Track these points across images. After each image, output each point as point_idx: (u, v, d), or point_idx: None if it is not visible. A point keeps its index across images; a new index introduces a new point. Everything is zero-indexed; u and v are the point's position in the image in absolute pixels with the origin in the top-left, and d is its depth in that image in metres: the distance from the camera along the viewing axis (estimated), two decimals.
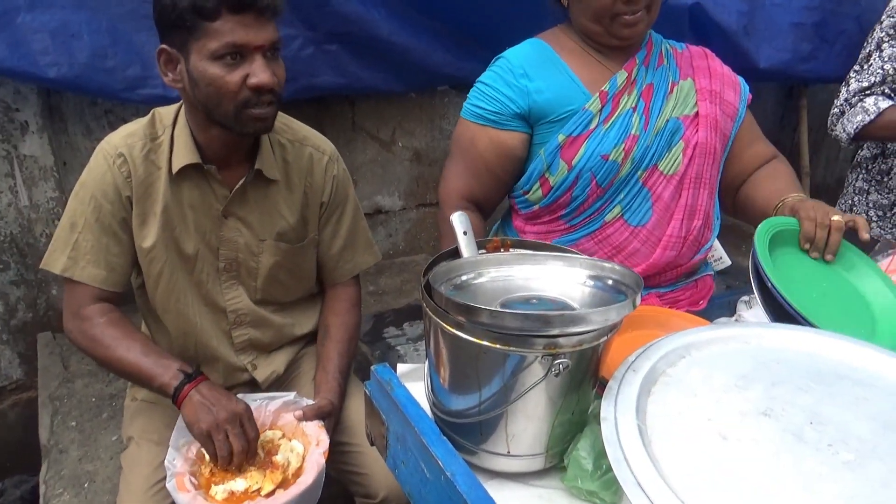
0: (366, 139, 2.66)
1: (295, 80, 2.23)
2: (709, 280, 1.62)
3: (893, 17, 2.04)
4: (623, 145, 1.38)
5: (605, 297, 0.89)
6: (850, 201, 2.35)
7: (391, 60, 2.39)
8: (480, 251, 1.02)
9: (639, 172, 1.41)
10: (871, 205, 2.26)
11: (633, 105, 1.41)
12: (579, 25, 1.42)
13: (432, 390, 0.94)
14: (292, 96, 2.22)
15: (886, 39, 2.02)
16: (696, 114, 1.45)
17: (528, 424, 0.86)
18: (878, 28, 2.08)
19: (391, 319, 2.23)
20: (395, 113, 2.69)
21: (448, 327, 0.83)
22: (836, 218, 1.26)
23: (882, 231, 2.25)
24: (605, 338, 0.83)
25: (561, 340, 0.79)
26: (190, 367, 1.26)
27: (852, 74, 2.10)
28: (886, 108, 1.95)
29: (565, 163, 1.40)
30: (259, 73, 1.16)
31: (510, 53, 1.45)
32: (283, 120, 1.39)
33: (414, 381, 1.04)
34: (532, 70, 1.40)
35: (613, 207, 1.43)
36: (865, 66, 2.06)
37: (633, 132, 1.39)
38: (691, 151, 1.44)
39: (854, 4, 2.94)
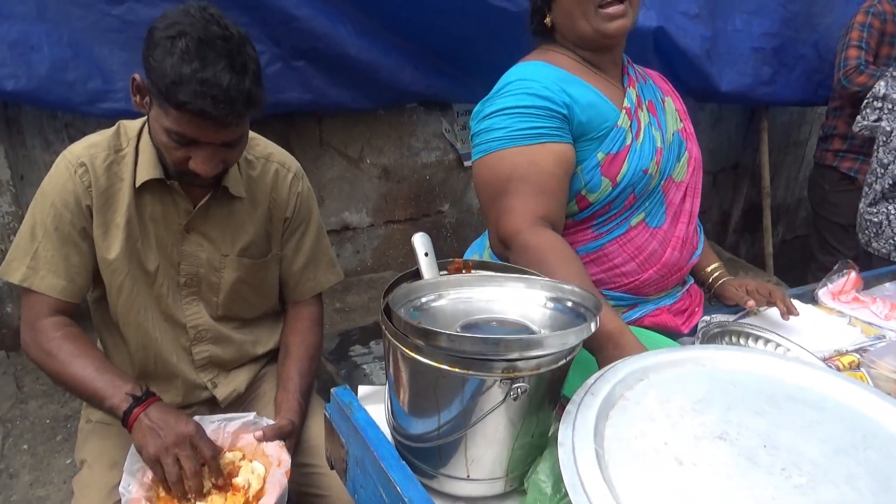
0: (333, 156, 2.65)
1: None
2: (696, 287, 1.64)
3: None
4: (655, 158, 1.39)
5: (565, 320, 0.89)
6: (861, 222, 2.47)
7: (359, 77, 2.39)
8: (442, 272, 1.01)
9: (662, 182, 1.43)
10: (868, 224, 2.43)
11: (648, 120, 1.42)
12: (570, 34, 1.37)
13: (392, 413, 0.93)
14: None
15: None
16: (684, 129, 1.51)
17: (487, 448, 0.85)
18: None
19: (357, 337, 2.21)
20: (364, 130, 2.69)
21: (407, 351, 0.82)
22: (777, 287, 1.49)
23: (879, 245, 2.42)
24: (564, 361, 0.82)
25: (519, 364, 0.79)
26: (140, 389, 1.22)
27: None
28: None
29: (608, 180, 1.36)
30: (200, 163, 1.16)
31: (531, 74, 1.34)
32: (249, 136, 1.38)
33: (375, 403, 1.02)
34: (566, 86, 1.33)
35: (640, 213, 1.43)
36: None
37: (658, 145, 1.40)
38: (694, 163, 1.50)
39: (812, 31, 3.05)
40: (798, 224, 4.15)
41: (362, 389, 1.06)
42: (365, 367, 2.03)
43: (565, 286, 0.93)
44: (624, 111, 1.38)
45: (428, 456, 0.88)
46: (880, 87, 2.41)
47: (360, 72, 2.37)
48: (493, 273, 0.99)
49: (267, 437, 1.27)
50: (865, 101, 2.47)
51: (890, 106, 2.34)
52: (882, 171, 2.34)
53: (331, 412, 1.01)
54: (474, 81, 2.54)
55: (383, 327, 0.86)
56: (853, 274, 1.62)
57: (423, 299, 0.92)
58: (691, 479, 0.68)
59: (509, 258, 1.26)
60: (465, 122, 2.84)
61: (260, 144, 1.41)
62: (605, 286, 1.44)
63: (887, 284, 1.76)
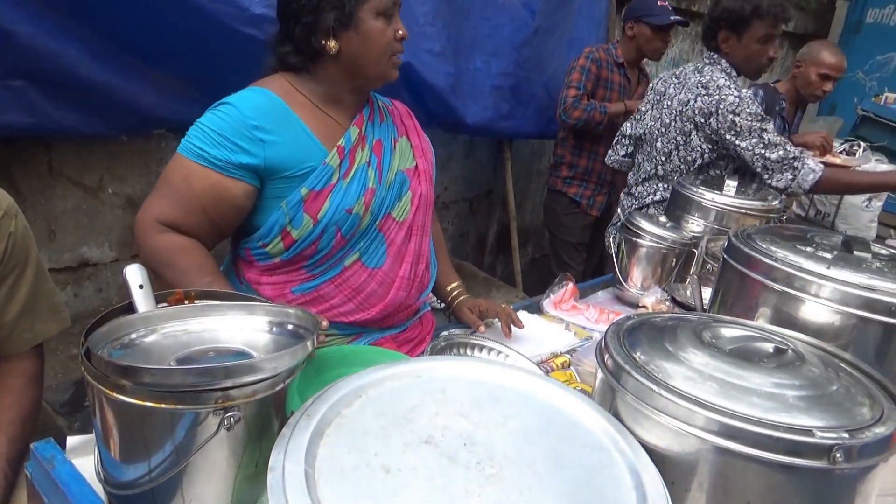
0: (67, 186, 2.39)
1: None
2: (430, 316, 1.74)
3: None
4: (363, 198, 1.42)
5: (287, 343, 0.89)
6: None
7: (93, 101, 2.18)
8: (162, 304, 0.96)
9: (377, 222, 1.47)
10: None
11: (367, 160, 1.46)
12: (353, 67, 1.40)
13: (101, 463, 0.85)
14: None
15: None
16: (416, 167, 1.57)
17: (207, 484, 0.82)
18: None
19: None
20: (103, 157, 2.46)
21: (109, 392, 0.76)
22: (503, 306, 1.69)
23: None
24: (282, 385, 0.83)
25: (233, 392, 0.78)
26: None
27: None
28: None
29: (310, 217, 1.39)
30: None
31: (241, 103, 1.35)
32: None
33: (87, 454, 0.93)
34: (267, 123, 1.34)
35: (354, 254, 1.47)
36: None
37: (370, 185, 1.44)
38: (417, 201, 1.55)
39: (542, 73, 3.45)
40: (544, 244, 4.63)
41: (71, 440, 0.97)
42: None
43: (288, 310, 0.94)
44: (336, 150, 1.42)
45: (142, 503, 0.82)
46: (626, 126, 2.78)
47: (94, 95, 2.17)
48: (215, 302, 0.97)
49: None
50: (616, 139, 2.85)
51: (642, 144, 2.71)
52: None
53: (31, 470, 0.91)
54: None
55: (83, 369, 0.80)
56: (571, 284, 1.85)
57: (133, 335, 0.87)
58: (396, 485, 0.72)
59: (139, 257, 1.37)
60: None
61: None
62: None
63: (599, 293, 2.03)
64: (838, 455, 0.73)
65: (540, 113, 3.48)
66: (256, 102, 1.37)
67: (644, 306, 1.81)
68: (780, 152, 2.30)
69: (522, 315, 1.68)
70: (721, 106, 2.31)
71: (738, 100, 2.30)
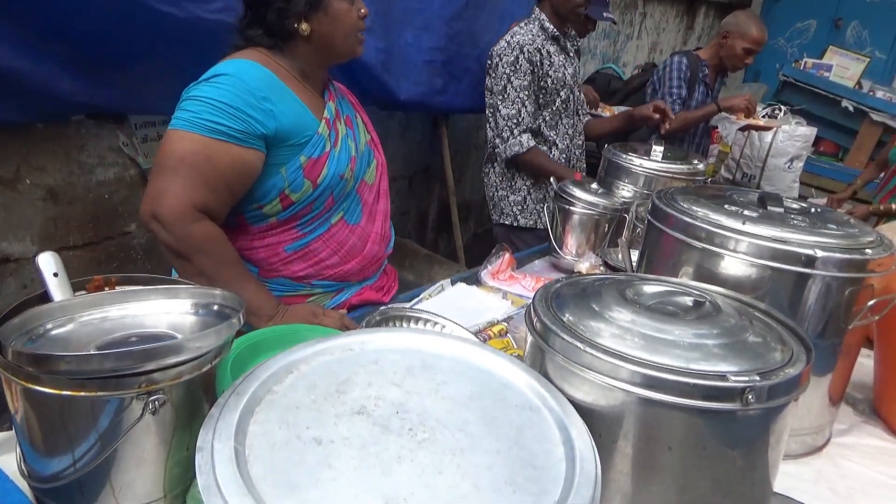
0: None
1: None
2: (391, 268, 1.91)
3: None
4: (350, 165, 1.59)
5: (213, 323, 0.88)
6: (500, 207, 2.80)
7: (3, 87, 2.07)
8: (80, 292, 0.93)
9: (356, 185, 1.66)
10: (512, 203, 2.76)
11: (345, 132, 1.60)
12: (323, 46, 1.51)
13: (24, 458, 0.83)
14: None
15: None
16: (372, 139, 1.75)
17: (136, 471, 0.80)
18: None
19: None
20: (18, 146, 2.34)
21: (24, 383, 0.74)
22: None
23: (525, 219, 2.73)
24: (209, 365, 0.82)
25: (157, 376, 0.76)
26: None
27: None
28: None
29: (310, 182, 1.52)
30: None
31: (242, 74, 1.41)
32: None
33: (10, 451, 0.90)
34: (271, 94, 1.43)
35: (338, 212, 1.61)
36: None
37: (353, 154, 1.62)
38: (380, 168, 1.74)
39: (474, 47, 3.43)
40: (485, 219, 4.66)
41: None
42: None
43: (213, 291, 0.92)
44: (324, 121, 1.53)
45: (69, 495, 0.80)
46: None
47: (4, 81, 2.06)
48: (136, 287, 0.94)
49: None
50: None
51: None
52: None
53: None
54: (151, 91, 2.38)
55: None
56: (507, 255, 1.88)
57: (49, 325, 0.84)
58: (327, 456, 0.72)
59: (162, 238, 1.37)
60: (146, 135, 2.64)
61: None
62: (313, 278, 1.63)
63: (536, 262, 2.07)
64: (750, 397, 0.77)
65: (474, 87, 3.47)
66: (255, 73, 1.43)
67: (579, 272, 1.85)
68: (513, 110, 2.50)
69: (460, 287, 1.70)
70: (496, 49, 2.57)
71: (506, 45, 2.52)
